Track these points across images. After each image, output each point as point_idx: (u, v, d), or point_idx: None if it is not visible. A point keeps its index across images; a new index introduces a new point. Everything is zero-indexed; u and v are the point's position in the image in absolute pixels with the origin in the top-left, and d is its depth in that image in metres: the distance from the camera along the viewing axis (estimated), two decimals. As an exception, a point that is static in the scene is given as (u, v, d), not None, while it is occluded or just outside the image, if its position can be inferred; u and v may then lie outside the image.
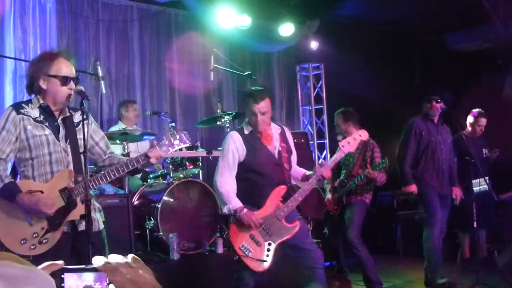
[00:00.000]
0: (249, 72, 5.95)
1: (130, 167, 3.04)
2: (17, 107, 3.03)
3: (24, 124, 2.97)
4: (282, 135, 3.97)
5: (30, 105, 3.04)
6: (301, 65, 8.60)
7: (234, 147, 3.81)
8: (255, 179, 3.82)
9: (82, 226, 3.03)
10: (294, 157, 4.03)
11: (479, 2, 7.05)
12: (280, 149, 3.90)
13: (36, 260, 2.74)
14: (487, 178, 5.51)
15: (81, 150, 2.97)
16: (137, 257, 0.99)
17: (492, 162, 6.18)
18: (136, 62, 6.89)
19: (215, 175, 3.85)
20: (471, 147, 5.10)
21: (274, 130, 3.96)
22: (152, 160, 3.07)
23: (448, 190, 5.17)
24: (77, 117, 3.12)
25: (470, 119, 6.12)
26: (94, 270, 1.01)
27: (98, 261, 0.99)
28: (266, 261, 3.70)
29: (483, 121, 6.06)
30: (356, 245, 4.91)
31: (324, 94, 8.51)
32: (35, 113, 3.03)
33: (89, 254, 2.77)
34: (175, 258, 4.67)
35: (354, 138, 3.92)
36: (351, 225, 4.98)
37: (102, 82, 4.63)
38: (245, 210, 3.69)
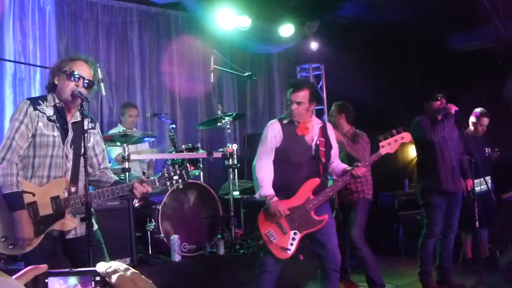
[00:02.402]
0: (249, 73, 5.94)
1: (115, 195, 3.03)
2: (34, 102, 3.02)
3: (37, 121, 2.97)
4: (323, 129, 4.02)
5: (45, 102, 3.05)
6: (301, 66, 8.58)
7: (273, 134, 3.93)
8: (289, 169, 3.91)
9: (70, 235, 3.05)
10: (334, 152, 4.08)
11: (479, 2, 7.04)
12: (318, 142, 3.94)
13: (30, 262, 2.74)
14: (488, 177, 5.49)
15: (82, 152, 2.96)
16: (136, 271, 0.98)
17: (494, 162, 6.17)
18: (136, 64, 6.89)
19: (254, 161, 3.98)
20: (473, 146, 5.07)
21: (315, 123, 4.02)
22: (137, 195, 3.01)
23: (459, 187, 5.12)
24: (86, 123, 3.10)
25: (472, 118, 6.09)
26: (79, 273, 0.99)
27: (101, 266, 0.98)
28: (289, 250, 3.81)
29: (486, 120, 6.04)
30: (359, 245, 4.89)
31: (324, 95, 8.50)
32: (50, 111, 3.03)
33: (89, 257, 2.76)
34: (176, 260, 4.67)
35: (396, 140, 3.92)
36: (354, 225, 4.97)
37: (102, 84, 4.60)
38: (274, 198, 3.80)
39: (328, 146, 4.00)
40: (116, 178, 3.25)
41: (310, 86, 4.00)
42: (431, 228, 5.04)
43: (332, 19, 8.25)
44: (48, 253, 2.95)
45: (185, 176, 3.11)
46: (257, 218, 3.89)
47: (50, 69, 3.20)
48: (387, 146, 3.87)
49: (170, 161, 5.44)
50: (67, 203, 2.96)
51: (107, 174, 3.25)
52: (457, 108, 4.88)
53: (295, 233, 3.83)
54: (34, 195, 2.93)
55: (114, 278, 0.94)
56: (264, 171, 3.89)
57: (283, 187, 3.89)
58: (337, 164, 4.09)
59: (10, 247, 2.88)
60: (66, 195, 2.97)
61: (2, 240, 2.88)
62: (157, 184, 3.08)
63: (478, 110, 6.11)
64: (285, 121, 3.99)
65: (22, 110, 2.97)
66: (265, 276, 3.89)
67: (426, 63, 8.84)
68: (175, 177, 3.08)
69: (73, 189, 3.01)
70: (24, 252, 2.91)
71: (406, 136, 3.93)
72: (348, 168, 3.95)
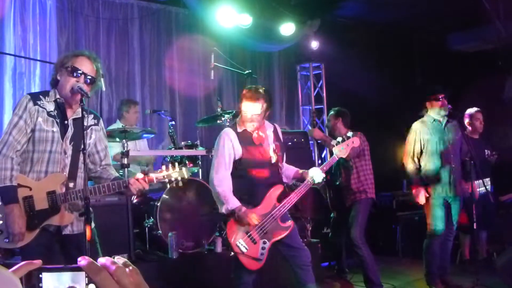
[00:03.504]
0: (250, 71, 5.93)
1: (111, 191, 3.01)
2: (35, 97, 3.02)
3: (37, 116, 2.97)
4: (275, 133, 3.98)
5: (47, 97, 3.04)
6: (301, 64, 8.59)
7: (230, 145, 3.79)
8: (250, 178, 3.81)
9: (66, 230, 3.04)
10: (284, 155, 4.02)
11: (479, 3, 7.03)
12: (274, 147, 3.89)
13: (26, 257, 2.74)
14: (487, 179, 5.49)
15: (81, 147, 2.94)
16: (126, 259, 0.98)
17: (493, 164, 6.16)
18: (136, 60, 6.88)
19: (211, 173, 3.83)
20: (472, 148, 5.05)
21: (268, 127, 3.96)
22: (133, 191, 2.98)
23: (460, 190, 5.09)
24: (89, 120, 3.07)
25: (466, 119, 6.08)
26: (73, 269, 0.99)
27: (83, 261, 0.98)
28: (260, 259, 3.74)
29: (479, 115, 6.05)
30: (359, 245, 4.89)
31: (324, 94, 8.50)
32: (50, 107, 3.03)
33: (87, 252, 2.75)
34: (174, 257, 4.66)
35: (347, 145, 4.02)
36: (355, 224, 4.96)
37: (102, 80, 4.61)
38: (243, 209, 3.70)
39: (282, 150, 3.96)
40: (117, 174, 3.24)
41: (265, 96, 3.79)
42: (433, 228, 5.03)
43: (333, 18, 8.25)
44: (44, 248, 2.95)
45: (185, 174, 3.07)
46: (225, 232, 3.81)
47: (54, 64, 3.20)
48: (340, 152, 4.00)
49: (169, 157, 5.43)
50: (63, 198, 2.95)
51: (108, 171, 3.24)
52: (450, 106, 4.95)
53: (264, 242, 3.75)
54: (30, 189, 2.92)
55: (96, 280, 0.94)
56: (224, 184, 3.74)
57: (246, 196, 3.78)
58: (286, 166, 4.03)
59: (5, 240, 2.88)
60: (63, 190, 2.97)
61: None
62: (155, 182, 3.05)
63: (468, 110, 6.12)
64: (239, 130, 3.85)
65: (22, 105, 2.97)
66: None
67: (426, 63, 8.85)
68: (175, 175, 3.04)
69: (71, 185, 3.00)
70: (19, 246, 2.90)
71: (355, 140, 4.06)
72: (301, 171, 3.96)
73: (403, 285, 5.61)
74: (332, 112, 5.52)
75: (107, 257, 0.98)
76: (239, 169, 3.81)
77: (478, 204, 5.16)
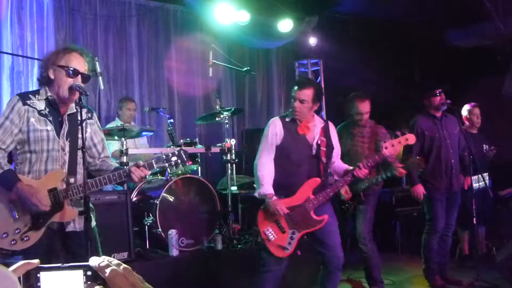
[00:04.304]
0: (248, 68, 5.93)
1: (112, 181, 3.00)
2: (24, 97, 2.97)
3: (27, 116, 2.93)
4: (325, 129, 3.99)
5: (37, 96, 3.00)
6: (299, 61, 8.58)
7: (274, 132, 3.91)
8: (289, 167, 3.89)
9: (70, 227, 3.02)
10: (336, 153, 4.06)
11: (478, -1, 7.04)
12: (319, 142, 3.92)
13: (27, 256, 2.72)
14: (486, 174, 5.49)
15: (80, 146, 2.92)
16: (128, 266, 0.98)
17: (491, 159, 6.17)
18: (134, 58, 6.87)
19: (256, 158, 3.95)
20: (471, 143, 5.06)
21: (317, 122, 4.00)
22: (135, 179, 2.97)
23: (458, 186, 5.10)
24: (83, 114, 3.03)
25: (464, 113, 6.08)
26: (71, 268, 0.99)
27: (94, 261, 0.98)
28: (287, 249, 3.80)
29: (477, 110, 6.05)
30: (367, 241, 4.80)
31: (322, 90, 8.49)
32: (41, 105, 2.98)
33: (87, 251, 2.74)
34: (174, 255, 4.66)
35: (399, 142, 3.87)
36: (364, 218, 4.83)
37: (100, 78, 4.61)
38: (274, 197, 3.78)
39: (330, 146, 3.98)
40: (116, 165, 3.22)
41: (315, 86, 3.97)
42: (434, 224, 5.03)
43: (331, 14, 8.24)
44: (46, 247, 2.92)
45: (183, 156, 3.06)
46: (257, 216, 3.87)
47: (42, 61, 3.10)
48: (390, 148, 3.82)
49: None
50: (65, 194, 2.93)
51: (107, 162, 3.22)
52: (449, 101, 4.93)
53: (293, 232, 3.82)
54: None
55: (107, 272, 0.95)
56: (265, 169, 3.87)
57: (283, 186, 3.86)
58: (338, 164, 4.07)
59: (12, 242, 2.85)
60: (64, 186, 2.95)
61: (4, 236, 2.83)
62: (155, 167, 3.02)
63: (466, 105, 6.13)
64: (287, 119, 3.96)
65: (10, 106, 2.94)
66: (268, 276, 3.87)
67: (425, 59, 8.84)
68: (174, 158, 3.02)
69: (71, 180, 2.97)
70: (25, 248, 2.86)
71: (410, 137, 3.90)
72: (350, 168, 3.94)
73: (402, 280, 5.62)
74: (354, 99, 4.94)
75: (96, 257, 0.99)
76: (279, 157, 3.90)
77: (477, 199, 5.16)
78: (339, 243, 3.95)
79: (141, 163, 2.99)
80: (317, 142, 3.92)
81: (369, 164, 3.84)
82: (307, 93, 3.85)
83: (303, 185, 3.85)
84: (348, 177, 3.86)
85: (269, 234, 3.80)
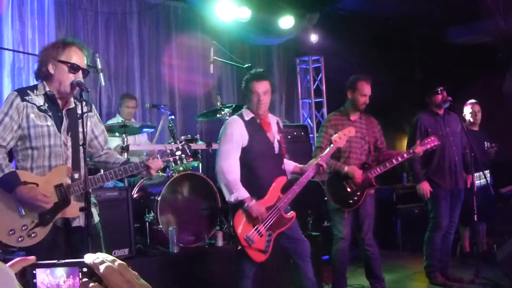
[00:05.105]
0: (249, 64, 5.91)
1: (129, 173, 3.02)
2: (22, 93, 2.95)
3: (27, 112, 2.91)
4: (278, 126, 3.98)
5: (35, 91, 2.98)
6: (301, 58, 8.58)
7: (238, 132, 3.76)
8: (256, 168, 3.79)
9: (76, 222, 3.00)
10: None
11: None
12: (278, 139, 3.89)
13: (30, 252, 2.72)
14: (487, 171, 5.49)
15: (81, 142, 2.92)
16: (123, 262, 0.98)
17: (492, 157, 6.16)
18: (135, 55, 6.86)
19: (219, 161, 3.75)
20: (472, 140, 5.06)
21: (271, 119, 3.97)
22: (153, 172, 3.01)
23: (462, 183, 5.11)
24: (81, 107, 3.03)
25: (466, 109, 6.08)
26: (67, 265, 0.99)
27: (88, 257, 0.99)
28: (266, 251, 3.75)
29: (477, 107, 6.05)
30: (372, 243, 4.74)
31: (324, 87, 8.49)
32: (40, 100, 2.96)
33: (88, 247, 2.75)
34: (175, 251, 4.66)
35: (344, 134, 4.01)
36: (372, 217, 4.75)
37: (101, 74, 4.60)
38: (253, 201, 3.67)
39: (286, 142, 3.98)
40: (124, 159, 3.24)
41: (268, 77, 3.94)
42: (438, 221, 5.03)
43: (332, 11, 8.22)
44: (49, 243, 2.91)
45: (187, 150, 3.08)
46: (232, 223, 3.73)
47: (40, 54, 3.06)
48: (338, 140, 3.98)
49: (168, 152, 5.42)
50: (71, 189, 2.92)
51: (114, 155, 3.23)
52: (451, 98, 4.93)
53: (269, 234, 3.76)
54: (37, 185, 2.87)
55: (101, 269, 0.94)
56: (234, 172, 3.69)
57: (252, 187, 3.72)
58: (285, 161, 4.02)
59: (20, 239, 2.84)
60: (69, 181, 2.94)
61: (11, 233, 2.82)
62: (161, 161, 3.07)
63: (467, 102, 6.12)
64: (246, 118, 3.83)
65: (8, 102, 2.92)
66: (247, 282, 3.80)
67: (426, 56, 8.83)
68: (178, 153, 3.06)
69: (76, 175, 2.97)
70: (31, 245, 2.85)
71: (351, 130, 4.09)
72: (299, 165, 3.98)
73: (403, 277, 5.63)
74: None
75: (91, 254, 0.99)
76: (245, 159, 3.78)
77: (478, 196, 5.17)
78: (302, 234, 3.97)
79: (151, 156, 3.04)
80: (277, 139, 3.88)
81: (323, 158, 3.93)
82: (267, 84, 3.80)
83: (273, 185, 3.79)
84: (311, 171, 3.83)
85: (249, 241, 3.68)
